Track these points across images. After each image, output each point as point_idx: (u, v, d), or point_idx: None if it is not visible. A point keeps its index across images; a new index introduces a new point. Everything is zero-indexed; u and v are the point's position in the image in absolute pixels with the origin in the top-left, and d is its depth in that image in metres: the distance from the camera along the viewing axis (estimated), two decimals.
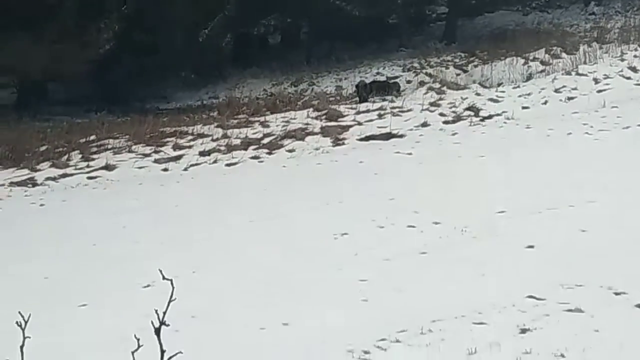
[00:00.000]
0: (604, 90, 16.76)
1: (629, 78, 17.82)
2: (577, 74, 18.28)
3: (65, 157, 14.67)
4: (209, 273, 6.82)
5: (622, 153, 10.98)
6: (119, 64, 24.77)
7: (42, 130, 17.43)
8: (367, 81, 21.49)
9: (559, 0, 35.14)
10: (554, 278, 5.90)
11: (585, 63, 19.80)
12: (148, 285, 6.47)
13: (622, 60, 19.44)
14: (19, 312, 2.82)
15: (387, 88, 20.55)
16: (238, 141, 15.01)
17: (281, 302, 5.93)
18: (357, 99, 19.10)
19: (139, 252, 7.96)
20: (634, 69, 18.42)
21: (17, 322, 2.82)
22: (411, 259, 6.73)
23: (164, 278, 2.97)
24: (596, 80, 17.55)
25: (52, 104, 25.47)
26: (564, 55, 22.39)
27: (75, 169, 14.04)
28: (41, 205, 11.38)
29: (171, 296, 2.94)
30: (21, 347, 2.72)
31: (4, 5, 19.45)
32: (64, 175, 13.60)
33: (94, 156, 14.67)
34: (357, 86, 20.37)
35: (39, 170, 13.92)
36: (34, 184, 13.17)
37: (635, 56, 19.70)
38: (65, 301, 6.38)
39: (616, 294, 5.59)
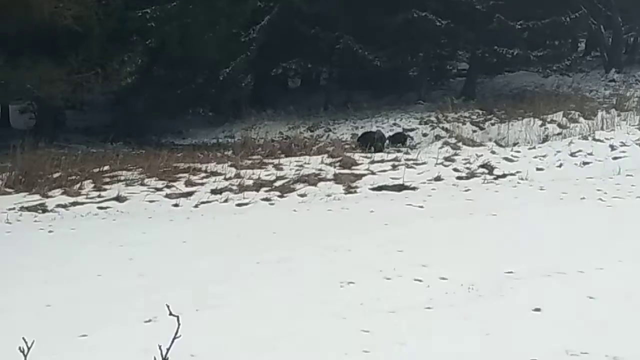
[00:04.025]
0: (620, 157, 16.76)
1: None
2: (594, 139, 18.31)
3: (78, 185, 14.72)
4: (211, 313, 6.77)
5: (634, 221, 10.93)
6: (138, 96, 24.95)
7: (57, 158, 17.48)
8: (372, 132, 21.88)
9: (579, 65, 35.36)
10: (559, 343, 5.83)
11: (602, 129, 19.84)
12: (150, 320, 6.43)
13: None
14: (23, 339, 2.81)
15: (401, 139, 20.83)
16: (250, 182, 15.04)
17: (281, 348, 5.87)
18: (370, 148, 19.24)
19: (143, 286, 7.92)
20: None
21: (19, 348, 2.81)
22: (416, 313, 6.67)
23: (170, 314, 2.95)
24: (612, 147, 17.57)
25: (69, 131, 25.67)
26: (581, 119, 22.47)
27: (87, 198, 14.08)
28: (50, 232, 11.38)
29: (176, 333, 2.92)
30: None
31: (30, 30, 19.66)
32: (75, 204, 13.63)
33: (106, 187, 14.72)
34: (361, 136, 20.81)
35: (51, 196, 13.97)
36: (44, 210, 13.20)
37: None
38: (66, 330, 6.33)
39: None
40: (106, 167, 16.36)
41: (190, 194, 14.49)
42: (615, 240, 9.64)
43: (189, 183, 15.15)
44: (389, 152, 18.34)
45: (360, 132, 24.09)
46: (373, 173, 15.87)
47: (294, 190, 14.70)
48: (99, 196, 14.21)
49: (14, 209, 13.12)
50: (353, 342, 5.94)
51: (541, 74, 33.76)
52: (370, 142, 19.48)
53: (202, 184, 15.11)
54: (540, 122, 22.97)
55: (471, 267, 8.17)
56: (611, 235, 9.97)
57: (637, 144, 18.05)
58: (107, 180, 15.29)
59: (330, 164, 16.64)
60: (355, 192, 14.62)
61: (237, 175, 15.57)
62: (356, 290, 7.46)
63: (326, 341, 6.03)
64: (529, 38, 30.83)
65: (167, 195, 14.37)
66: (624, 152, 17.35)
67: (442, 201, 13.19)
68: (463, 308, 6.77)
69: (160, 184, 15.01)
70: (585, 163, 16.61)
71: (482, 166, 16.30)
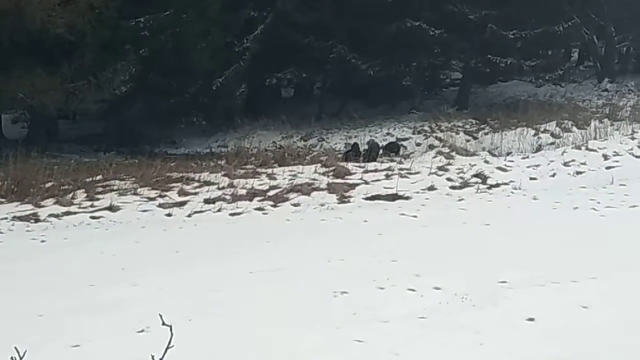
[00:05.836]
0: (613, 167, 16.80)
1: (638, 157, 17.87)
2: (587, 149, 18.36)
3: (70, 195, 14.69)
4: (204, 323, 6.74)
5: (627, 231, 10.92)
6: (131, 105, 24.94)
7: (49, 167, 17.44)
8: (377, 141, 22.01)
9: (572, 75, 35.50)
10: (553, 353, 5.81)
11: (595, 138, 19.90)
12: (142, 331, 6.40)
13: (633, 138, 19.55)
14: (15, 348, 2.79)
15: (395, 148, 20.95)
16: (244, 191, 15.03)
17: (274, 358, 5.85)
18: (364, 157, 19.36)
19: (136, 296, 7.89)
20: None
21: (12, 358, 2.79)
22: (410, 323, 6.65)
23: (163, 324, 2.94)
24: (605, 157, 17.61)
25: (62, 141, 25.64)
26: (574, 129, 22.55)
27: (79, 207, 14.04)
28: (42, 241, 11.34)
29: (169, 342, 2.91)
30: None
31: (22, 39, 19.64)
32: (68, 213, 13.60)
33: (99, 196, 14.69)
34: (352, 145, 21.08)
35: (43, 206, 13.94)
36: (37, 220, 13.17)
37: None
38: (58, 340, 6.29)
39: None
40: (99, 177, 16.33)
41: (183, 203, 14.47)
42: (609, 249, 9.63)
43: (182, 192, 15.12)
44: (382, 162, 18.34)
45: (353, 141, 24.11)
46: (366, 182, 15.87)
47: (287, 199, 14.70)
48: (92, 206, 14.18)
49: (6, 218, 13.09)
50: (347, 352, 5.92)
51: (534, 84, 33.89)
52: (356, 154, 19.69)
53: (195, 194, 15.09)
54: (533, 132, 23.03)
55: (465, 277, 8.16)
56: (605, 244, 9.97)
57: (630, 153, 18.10)
58: (100, 189, 15.26)
59: (323, 174, 16.64)
60: (348, 201, 14.62)
61: (231, 185, 15.55)
62: (350, 300, 7.44)
63: (320, 351, 6.00)
64: (522, 48, 30.92)
65: (160, 205, 14.35)
66: (617, 161, 17.39)
67: (435, 211, 13.19)
68: (457, 318, 6.76)
69: (153, 194, 14.99)
70: (578, 172, 16.64)
71: (476, 176, 16.32)
